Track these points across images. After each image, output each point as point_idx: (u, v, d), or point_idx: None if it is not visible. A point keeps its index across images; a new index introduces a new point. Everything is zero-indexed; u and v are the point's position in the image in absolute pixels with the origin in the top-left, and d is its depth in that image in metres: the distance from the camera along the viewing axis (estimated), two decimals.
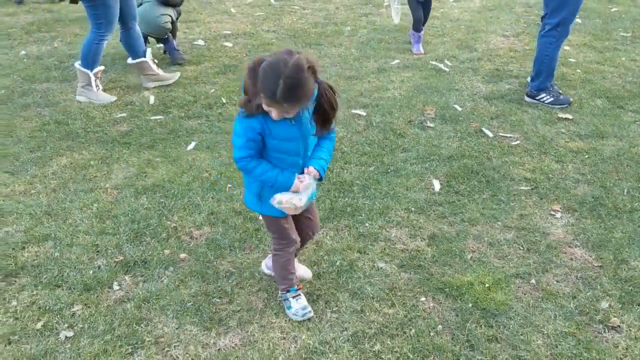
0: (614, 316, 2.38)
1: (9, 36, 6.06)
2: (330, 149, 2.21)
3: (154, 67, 4.67)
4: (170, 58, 5.43)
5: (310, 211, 2.38)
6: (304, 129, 2.08)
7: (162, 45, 5.51)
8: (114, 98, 4.46)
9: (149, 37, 5.43)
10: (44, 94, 4.60)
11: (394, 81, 4.87)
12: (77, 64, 4.40)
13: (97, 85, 4.43)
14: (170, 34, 5.40)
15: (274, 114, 1.97)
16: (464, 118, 4.17)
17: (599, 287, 2.55)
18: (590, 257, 2.75)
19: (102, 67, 4.49)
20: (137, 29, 4.63)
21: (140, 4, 5.26)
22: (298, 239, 2.37)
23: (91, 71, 4.37)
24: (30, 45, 5.81)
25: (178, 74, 4.87)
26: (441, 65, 5.20)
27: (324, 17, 6.82)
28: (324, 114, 2.05)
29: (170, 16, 5.35)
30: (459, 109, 4.33)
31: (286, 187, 2.11)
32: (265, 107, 1.96)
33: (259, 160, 2.11)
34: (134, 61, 4.65)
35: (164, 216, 3.04)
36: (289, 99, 1.89)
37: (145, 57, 4.64)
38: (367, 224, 2.98)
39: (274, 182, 2.11)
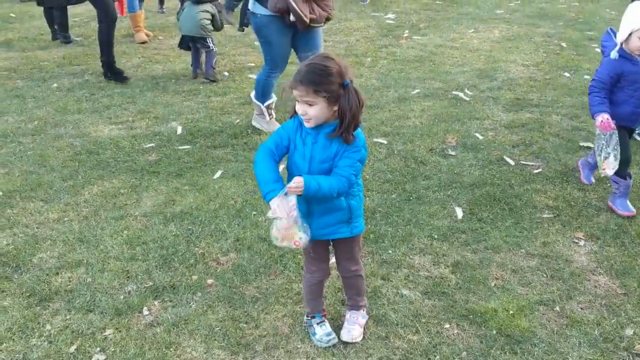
0: (639, 343, 2.38)
1: (42, 69, 6.29)
2: (335, 181, 2.10)
3: (267, 115, 4.57)
4: (206, 73, 5.81)
5: (342, 249, 2.39)
6: (315, 152, 2.13)
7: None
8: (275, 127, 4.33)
9: (199, 50, 5.93)
10: (75, 125, 4.76)
11: (414, 110, 4.95)
12: (252, 95, 4.60)
13: (269, 115, 4.55)
14: (213, 46, 5.86)
15: (297, 106, 2.06)
16: (485, 146, 4.22)
17: (623, 314, 2.55)
18: (614, 284, 2.75)
19: (273, 99, 4.53)
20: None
21: (183, 9, 5.88)
22: (325, 272, 2.43)
23: (262, 104, 4.51)
24: (62, 77, 6.02)
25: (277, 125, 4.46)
26: (461, 95, 5.27)
27: (344, 48, 6.96)
28: (342, 114, 2.03)
29: (210, 12, 5.80)
30: (480, 137, 4.37)
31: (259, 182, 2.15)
32: (293, 95, 2.05)
33: (269, 157, 2.17)
34: (255, 101, 4.58)
35: (192, 243, 3.12)
36: (305, 79, 1.98)
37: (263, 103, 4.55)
38: (390, 251, 3.02)
39: (257, 178, 2.16)
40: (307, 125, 2.09)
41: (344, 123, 2.04)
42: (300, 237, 2.13)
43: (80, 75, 6.13)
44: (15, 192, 3.67)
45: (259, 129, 4.59)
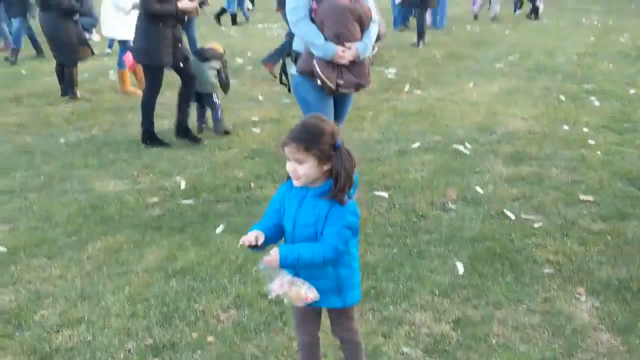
0: None
1: (50, 125, 6.42)
2: (319, 249, 2.06)
3: None
4: (214, 128, 5.91)
5: (334, 317, 2.33)
6: (299, 215, 2.10)
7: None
8: None
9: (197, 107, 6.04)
10: (81, 180, 4.83)
11: (415, 163, 5.01)
12: None
13: None
14: (218, 100, 5.96)
15: (287, 164, 2.07)
16: (486, 200, 4.26)
17: None
18: (617, 341, 2.73)
19: None
20: None
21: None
22: (315, 337, 2.37)
23: None
24: (70, 133, 6.14)
25: None
26: (461, 148, 5.34)
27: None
28: (337, 174, 2.02)
29: (216, 68, 5.93)
30: (480, 191, 4.42)
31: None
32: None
33: (263, 220, 2.21)
34: None
35: (193, 299, 3.13)
36: (296, 137, 2.01)
37: None
38: (391, 308, 3.02)
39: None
40: (296, 184, 2.09)
41: (339, 183, 2.03)
42: (305, 292, 2.10)
43: (88, 130, 6.25)
44: (19, 249, 3.70)
45: (261, 184, 4.64)
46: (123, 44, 7.60)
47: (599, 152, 5.15)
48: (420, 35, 10.82)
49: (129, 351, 2.74)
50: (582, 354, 2.65)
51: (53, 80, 7.89)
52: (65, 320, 2.98)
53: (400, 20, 13.11)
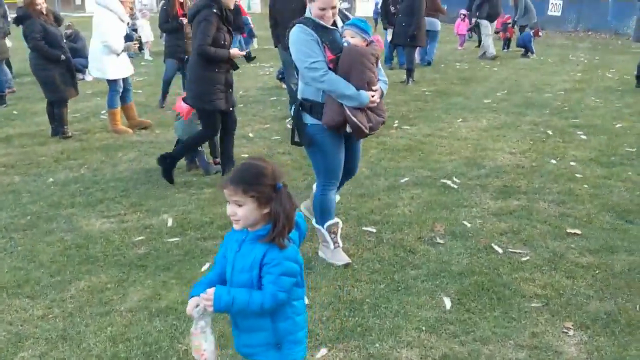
0: None
1: (39, 165, 6.41)
2: (258, 297, 1.96)
3: (330, 241, 3.90)
4: (204, 171, 5.92)
5: None
6: (236, 260, 2.04)
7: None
8: (347, 260, 3.85)
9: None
10: (67, 219, 4.80)
11: (403, 198, 5.01)
12: (313, 222, 3.96)
13: (334, 242, 3.87)
14: (201, 147, 5.93)
15: (227, 207, 2.02)
16: (474, 234, 4.24)
17: None
18: None
19: (337, 221, 3.92)
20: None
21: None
22: None
23: (323, 226, 3.89)
24: (59, 172, 6.12)
25: (347, 260, 3.88)
26: (450, 183, 5.36)
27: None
28: (275, 217, 1.95)
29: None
30: (468, 225, 4.41)
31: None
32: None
33: (211, 271, 2.20)
34: (317, 226, 3.95)
35: (175, 339, 3.08)
36: (235, 179, 1.96)
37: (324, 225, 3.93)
38: (377, 345, 2.97)
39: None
40: (236, 227, 2.02)
41: (277, 226, 1.95)
42: (204, 349, 2.03)
43: (77, 169, 6.24)
44: (2, 289, 3.65)
45: None
46: (113, 83, 7.68)
47: (586, 186, 5.17)
48: (410, 72, 10.97)
49: None
50: None
51: (44, 120, 7.93)
52: None
53: (391, 58, 13.30)
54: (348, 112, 3.50)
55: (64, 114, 7.57)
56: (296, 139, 3.80)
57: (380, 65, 3.73)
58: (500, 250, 3.97)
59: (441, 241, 4.15)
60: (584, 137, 6.87)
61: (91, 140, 7.52)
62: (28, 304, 3.48)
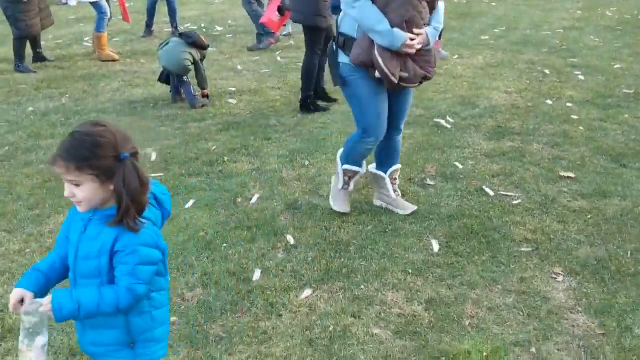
0: None
1: (19, 93, 6.18)
2: (111, 294, 1.60)
3: (391, 189, 3.62)
4: (191, 105, 5.67)
5: None
6: (81, 245, 1.67)
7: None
8: (344, 209, 3.58)
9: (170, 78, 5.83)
10: (47, 151, 4.64)
11: None
12: (339, 154, 3.63)
13: (345, 183, 3.56)
14: (187, 78, 5.74)
15: (65, 187, 1.62)
16: (465, 176, 4.14)
17: (601, 356, 2.45)
18: (593, 324, 2.66)
19: (359, 171, 3.56)
20: (398, 140, 3.64)
21: (167, 43, 5.74)
22: None
23: (342, 165, 3.55)
24: (39, 101, 5.91)
25: (414, 208, 3.63)
26: (443, 122, 5.21)
27: (328, 73, 6.90)
28: (119, 197, 1.58)
29: (193, 56, 5.68)
30: (460, 166, 4.30)
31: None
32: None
33: (49, 256, 1.79)
34: (376, 171, 3.68)
35: None
36: (65, 153, 1.56)
37: (386, 174, 3.65)
38: (362, 287, 2.91)
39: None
40: (80, 209, 1.64)
41: (122, 207, 1.58)
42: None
43: (58, 99, 6.03)
44: None
45: (235, 157, 4.48)
46: (99, 6, 7.36)
47: (581, 128, 5.05)
48: None
49: None
50: (557, 337, 2.57)
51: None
52: None
53: None
54: (376, 52, 3.00)
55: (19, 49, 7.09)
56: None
57: (440, 5, 3.19)
58: (491, 193, 3.89)
59: (432, 183, 4.05)
60: (581, 77, 6.70)
61: (73, 68, 7.26)
62: (4, 237, 3.38)
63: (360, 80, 3.21)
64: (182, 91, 5.80)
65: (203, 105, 5.69)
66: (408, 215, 3.57)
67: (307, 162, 4.39)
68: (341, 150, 3.59)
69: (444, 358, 2.43)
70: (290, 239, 3.35)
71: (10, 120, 5.34)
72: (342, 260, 3.14)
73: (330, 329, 2.62)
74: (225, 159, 4.46)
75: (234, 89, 6.29)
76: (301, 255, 3.19)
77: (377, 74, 3.09)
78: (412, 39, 3.03)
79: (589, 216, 3.58)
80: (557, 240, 3.32)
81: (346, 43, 3.17)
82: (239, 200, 3.82)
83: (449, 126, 5.14)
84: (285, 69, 7.10)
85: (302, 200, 3.80)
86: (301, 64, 5.60)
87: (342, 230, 3.43)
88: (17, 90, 6.29)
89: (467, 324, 2.65)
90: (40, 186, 4.03)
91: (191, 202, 3.78)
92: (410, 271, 3.04)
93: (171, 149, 4.66)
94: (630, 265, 3.07)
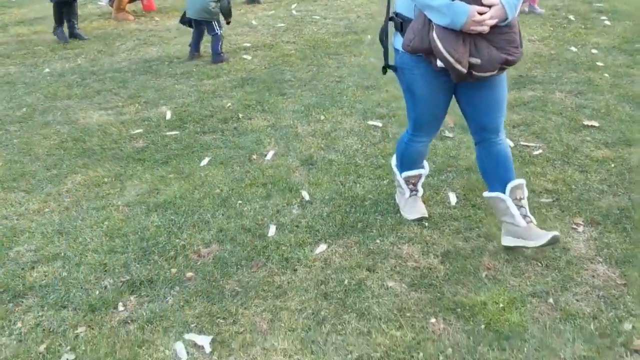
0: (638, 339, 2.24)
1: (35, 54, 6.18)
2: None
3: (517, 213, 2.69)
4: (213, 59, 5.65)
5: None
6: None
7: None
8: (421, 214, 3.02)
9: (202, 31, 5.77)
10: (64, 111, 4.65)
11: None
12: (393, 159, 3.15)
13: (411, 191, 3.05)
14: (220, 31, 5.67)
15: None
16: None
17: (622, 306, 2.41)
18: (614, 274, 2.60)
19: (420, 172, 3.05)
20: (502, 145, 2.72)
21: None
22: None
23: (400, 173, 3.06)
24: (55, 62, 5.91)
25: (551, 233, 2.62)
26: None
27: (344, 26, 6.76)
28: None
29: None
30: None
31: None
32: None
33: None
34: (394, 167, 3.11)
35: (173, 234, 3.01)
36: None
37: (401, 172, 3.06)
38: (377, 241, 2.89)
39: None
40: None
41: None
42: None
43: (74, 59, 6.02)
44: None
45: (249, 114, 4.43)
46: None
47: (606, 75, 4.87)
48: None
49: (105, 288, 2.65)
50: (576, 287, 2.52)
51: (42, 7, 7.57)
52: (41, 256, 2.88)
53: None
54: (435, 35, 2.29)
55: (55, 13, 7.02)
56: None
57: None
58: (511, 144, 3.78)
59: (450, 135, 3.97)
60: (607, 22, 6.44)
61: (88, 28, 7.22)
62: (24, 197, 3.42)
63: (416, 71, 2.54)
64: (212, 41, 5.70)
65: (223, 61, 5.63)
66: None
67: (322, 117, 4.33)
68: (394, 158, 3.11)
69: (459, 309, 2.41)
70: (305, 194, 3.33)
71: (27, 82, 5.35)
72: (357, 214, 3.11)
73: (345, 282, 2.61)
74: (240, 115, 4.43)
75: (248, 45, 6.21)
76: (316, 211, 3.16)
77: (438, 63, 2.36)
78: (481, 13, 2.27)
79: (612, 165, 3.48)
80: (579, 191, 3.24)
81: (403, 26, 2.50)
82: (254, 157, 3.79)
83: None
84: (301, 22, 6.96)
85: (317, 156, 3.76)
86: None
87: (358, 185, 3.39)
88: (33, 51, 6.29)
89: (484, 275, 2.61)
90: (58, 146, 4.05)
91: (206, 160, 3.77)
92: (426, 224, 3.00)
93: (186, 107, 4.63)
94: None
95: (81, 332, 2.40)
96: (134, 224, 3.11)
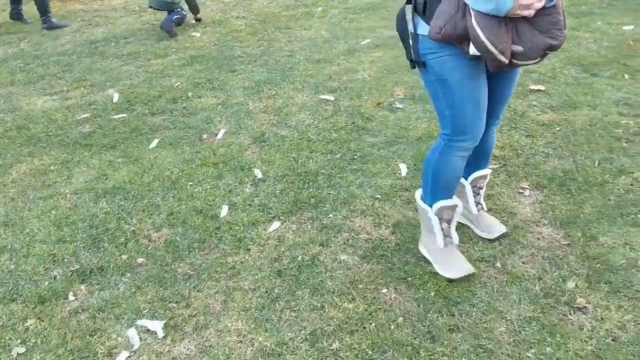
0: (580, 296, 2.31)
1: None
2: None
3: (472, 200, 2.67)
4: (162, 23, 5.57)
5: None
6: None
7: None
8: (467, 270, 2.41)
9: None
10: (7, 99, 4.50)
11: (363, 62, 4.76)
12: (417, 194, 2.55)
13: (446, 235, 2.45)
14: (182, 10, 5.63)
15: None
16: None
17: (565, 266, 2.48)
18: (558, 235, 2.68)
19: (456, 203, 2.44)
20: (492, 135, 2.56)
21: None
22: None
23: (431, 206, 2.44)
24: None
25: (502, 230, 2.64)
26: None
27: None
28: None
29: None
30: None
31: None
32: None
33: None
34: (420, 202, 2.50)
35: (123, 219, 2.97)
36: None
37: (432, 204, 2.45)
38: (330, 215, 2.90)
39: None
40: None
41: None
42: None
43: (16, 44, 5.81)
44: None
45: (199, 93, 4.36)
46: None
47: None
48: None
49: (55, 278, 2.60)
50: (522, 251, 2.59)
51: None
52: None
53: None
54: (473, 21, 1.93)
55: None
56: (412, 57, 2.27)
57: None
58: None
59: (400, 106, 3.98)
60: None
61: (32, 11, 6.94)
62: None
63: (446, 60, 2.13)
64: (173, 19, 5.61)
65: (172, 35, 5.52)
66: (374, 139, 3.51)
67: (273, 93, 4.29)
68: (419, 191, 2.55)
69: (410, 278, 2.45)
70: (257, 172, 3.31)
71: None
72: (311, 190, 3.11)
73: (299, 258, 2.62)
74: (190, 94, 4.35)
75: (193, 21, 6.07)
76: (269, 189, 3.16)
77: (471, 50, 2.02)
78: None
79: (558, 128, 3.55)
80: (525, 155, 3.31)
81: (427, 7, 2.09)
82: (205, 136, 3.74)
83: None
84: None
85: (269, 132, 3.73)
86: None
87: (310, 161, 3.39)
88: None
89: None
90: (1, 135, 3.93)
91: (155, 142, 3.70)
92: (378, 196, 3.03)
93: (134, 88, 4.53)
94: (597, 175, 3.07)
95: (31, 325, 2.36)
96: (82, 212, 3.05)
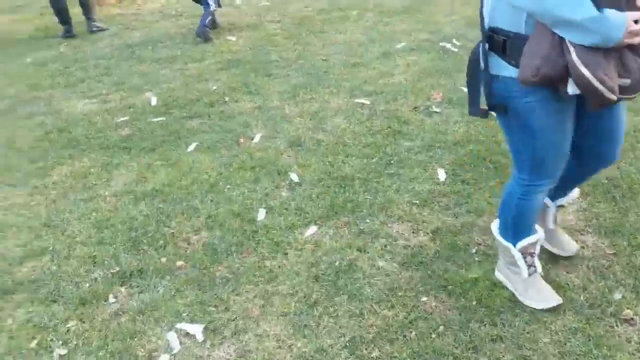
0: (627, 307, 2.25)
1: (16, 44, 6.08)
2: None
3: (551, 219, 2.54)
4: (196, 29, 5.61)
5: None
6: None
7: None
8: (554, 301, 2.28)
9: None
10: (47, 102, 4.60)
11: (399, 65, 4.73)
12: (494, 227, 2.38)
13: (529, 266, 2.29)
14: (214, 4, 5.68)
15: None
16: None
17: (611, 276, 2.41)
18: (603, 244, 2.60)
19: (538, 237, 2.28)
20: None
21: None
22: None
23: (514, 245, 2.28)
24: (37, 51, 5.82)
25: (554, 302, 2.28)
26: (449, 46, 5.03)
27: (329, 2, 6.68)
28: None
29: None
30: (466, 90, 4.16)
31: None
32: None
33: None
34: (500, 238, 2.33)
35: (162, 222, 2.99)
36: None
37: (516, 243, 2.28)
38: (367, 220, 2.88)
39: None
40: None
41: None
42: None
43: (56, 47, 5.93)
44: None
45: (235, 96, 4.38)
46: None
47: None
48: None
49: (95, 280, 2.64)
50: (566, 260, 2.52)
51: None
52: (29, 251, 2.86)
53: None
54: (575, 57, 1.67)
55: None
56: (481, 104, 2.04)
57: None
58: None
59: (437, 110, 3.94)
60: None
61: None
62: (9, 192, 3.39)
63: (531, 97, 1.89)
64: (203, 13, 5.65)
65: (206, 40, 5.57)
66: (410, 143, 3.47)
67: (309, 97, 4.29)
68: (496, 224, 2.37)
69: (451, 286, 2.41)
70: (293, 176, 3.30)
71: (9, 73, 5.28)
72: (347, 195, 3.09)
73: (336, 264, 2.61)
74: (226, 98, 4.38)
75: (232, 25, 6.12)
76: (305, 192, 3.15)
77: (570, 89, 1.76)
78: (637, 21, 1.67)
79: None
80: None
81: (508, 45, 1.84)
82: (242, 140, 3.76)
83: (455, 49, 4.96)
84: (285, 0, 6.87)
85: (305, 137, 3.73)
86: None
87: (346, 165, 3.37)
88: (14, 41, 6.19)
89: (474, 251, 2.61)
90: (42, 138, 4.01)
91: (193, 145, 3.73)
92: (416, 202, 2.99)
93: (171, 92, 4.58)
94: None
95: (72, 326, 2.39)
96: (122, 214, 3.09)
